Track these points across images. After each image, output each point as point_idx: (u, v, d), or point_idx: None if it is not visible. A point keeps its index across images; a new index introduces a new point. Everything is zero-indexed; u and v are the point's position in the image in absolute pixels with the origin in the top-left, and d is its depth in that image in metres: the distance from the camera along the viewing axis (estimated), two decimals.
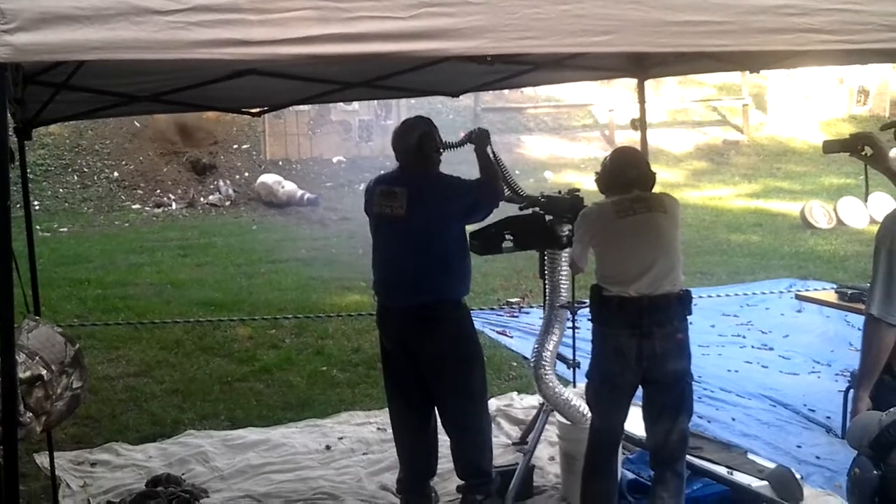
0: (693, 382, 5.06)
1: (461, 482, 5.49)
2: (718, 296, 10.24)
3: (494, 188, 5.36)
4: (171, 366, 8.41)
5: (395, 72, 5.76)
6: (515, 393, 7.56)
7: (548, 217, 5.77)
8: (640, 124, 6.62)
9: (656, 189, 4.99)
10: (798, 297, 8.09)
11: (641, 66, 6.32)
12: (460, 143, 5.61)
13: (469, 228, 5.66)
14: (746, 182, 18.09)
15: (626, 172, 4.90)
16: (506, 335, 9.10)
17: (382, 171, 5.81)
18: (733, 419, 6.85)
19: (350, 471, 6.22)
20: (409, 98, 16.60)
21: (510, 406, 7.25)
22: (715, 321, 9.35)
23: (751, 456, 5.94)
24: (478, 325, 9.28)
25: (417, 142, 5.40)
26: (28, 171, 17.13)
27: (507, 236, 5.81)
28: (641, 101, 6.56)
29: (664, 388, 4.79)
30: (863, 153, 4.30)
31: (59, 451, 6.62)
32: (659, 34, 2.91)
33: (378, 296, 5.64)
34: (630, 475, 5.64)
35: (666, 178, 18.40)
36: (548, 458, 6.24)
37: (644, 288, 4.70)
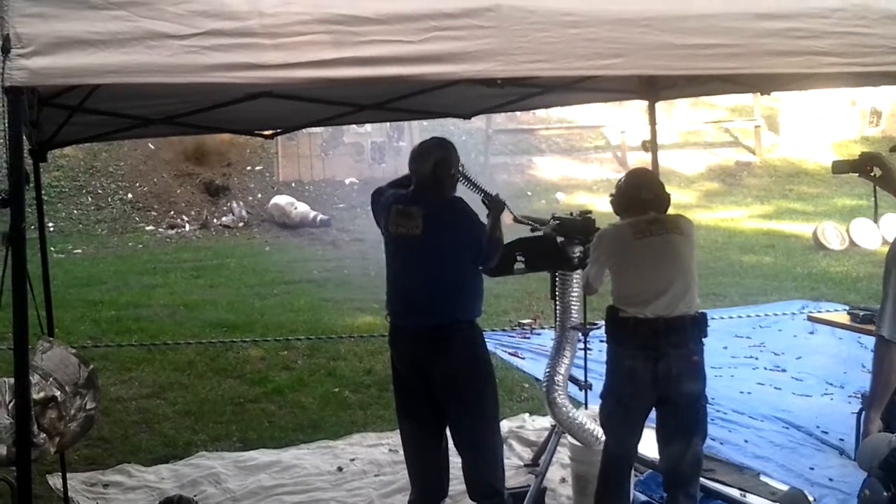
0: (707, 404, 5.07)
1: (473, 503, 5.49)
2: (731, 317, 10.22)
3: (492, 257, 5.32)
4: (183, 387, 8.43)
5: (407, 94, 5.79)
6: (527, 414, 7.55)
7: (559, 238, 5.79)
8: (651, 146, 6.62)
9: (670, 211, 5.01)
10: (810, 319, 8.07)
11: (652, 88, 6.34)
12: (474, 187, 5.67)
13: None
14: (759, 203, 18.08)
15: (642, 194, 4.91)
16: (517, 356, 9.10)
17: (397, 189, 5.79)
18: (746, 441, 6.83)
19: (362, 492, 6.22)
20: (422, 120, 16.72)
21: (522, 428, 7.24)
22: (727, 343, 9.33)
23: (763, 478, 5.92)
24: (490, 346, 9.37)
25: (433, 168, 5.41)
26: (42, 192, 17.23)
27: (519, 258, 5.82)
28: (652, 122, 6.59)
29: (678, 409, 4.79)
30: (871, 174, 4.30)
31: (72, 472, 6.64)
32: (668, 57, 2.94)
33: (391, 316, 5.65)
34: (642, 497, 5.63)
35: (678, 199, 18.39)
36: (559, 479, 6.22)
37: (660, 309, 4.71)
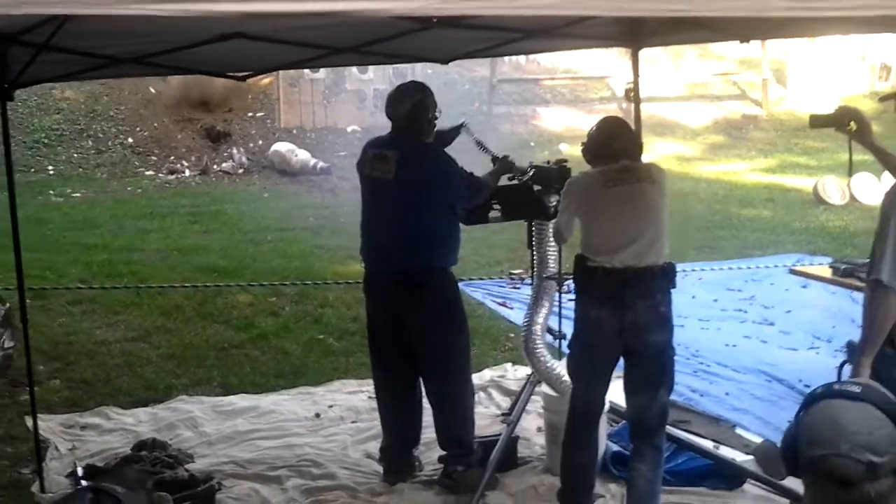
0: (677, 356, 5.02)
1: (443, 452, 5.48)
2: (723, 269, 10.15)
3: (475, 198, 5.40)
4: (168, 331, 8.42)
5: (382, 38, 5.69)
6: (510, 364, 7.51)
7: (536, 187, 5.71)
8: (633, 95, 6.52)
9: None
10: (792, 272, 7.97)
11: (635, 35, 6.23)
12: (481, 147, 5.64)
13: None
14: (763, 157, 17.87)
15: (613, 142, 4.83)
16: (506, 306, 9.05)
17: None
18: (727, 393, 6.79)
19: (337, 438, 6.21)
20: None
21: (503, 377, 7.22)
22: (718, 295, 9.27)
23: (739, 430, 5.91)
24: (479, 296, 9.40)
25: (409, 110, 5.37)
26: (43, 135, 17.14)
27: (495, 206, 5.76)
28: (635, 71, 6.49)
29: (645, 360, 4.74)
30: (848, 128, 4.22)
31: (51, 413, 6.67)
32: None
33: (365, 261, 5.63)
34: (615, 447, 5.59)
35: (682, 151, 18.26)
36: (536, 429, 6.19)
37: (629, 259, 4.63)
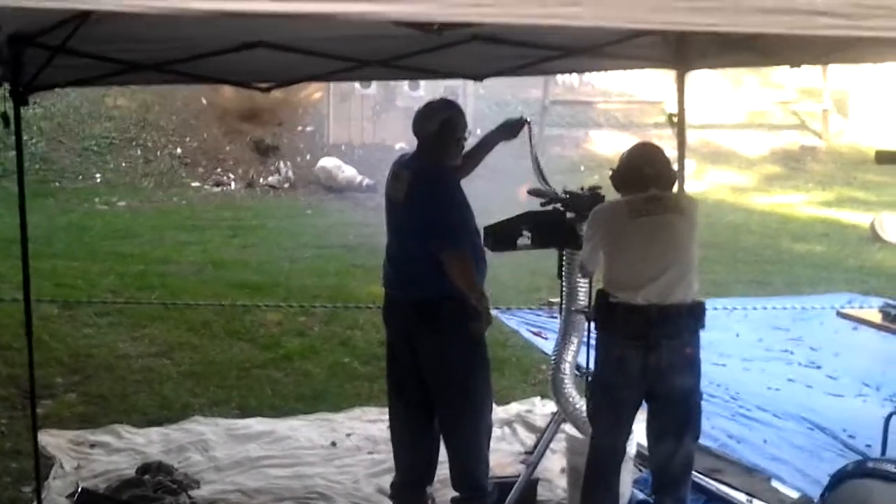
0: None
1: (455, 494, 5.17)
2: (770, 307, 9.72)
3: (449, 248, 4.85)
4: (192, 348, 8.21)
5: (412, 52, 5.44)
6: (539, 398, 7.18)
7: (569, 214, 5.41)
8: (678, 120, 6.21)
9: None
10: (840, 315, 7.54)
11: (682, 57, 5.92)
12: (532, 153, 5.42)
13: (484, 222, 5.35)
14: (820, 190, 17.41)
15: (643, 169, 4.52)
16: (541, 336, 8.72)
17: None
18: (765, 441, 6.39)
19: (351, 470, 5.94)
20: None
21: (530, 412, 6.88)
22: (763, 334, 8.86)
23: (775, 483, 5.53)
24: (513, 324, 9.08)
25: (438, 128, 5.10)
26: (93, 142, 17.18)
27: (525, 232, 5.46)
28: (681, 95, 6.17)
29: (669, 405, 4.41)
30: None
31: (63, 429, 6.48)
32: (634, 7, 2.54)
33: (384, 286, 5.36)
34: (640, 495, 5.26)
35: (736, 181, 17.84)
36: (560, 470, 5.86)
37: (653, 296, 4.32)
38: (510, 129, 5.51)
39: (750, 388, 7.32)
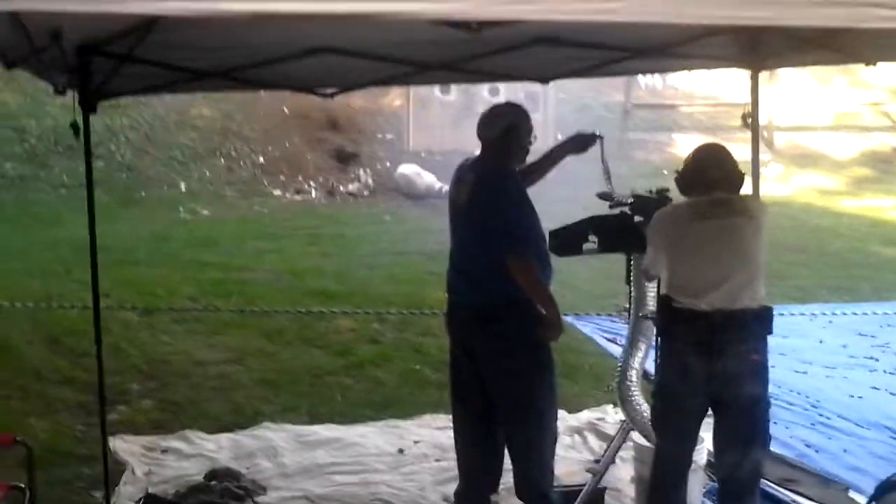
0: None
1: (520, 502, 5.08)
2: (856, 314, 9.43)
3: (517, 250, 4.76)
4: (266, 355, 8.26)
5: (476, 54, 5.40)
6: (611, 406, 7.05)
7: (637, 218, 5.29)
8: (752, 121, 6.03)
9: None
10: None
11: (754, 56, 5.76)
12: (604, 167, 5.32)
13: (550, 226, 5.27)
14: None
15: (709, 172, 4.40)
16: (616, 343, 8.56)
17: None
18: (845, 450, 6.18)
19: (416, 477, 5.90)
20: (536, 88, 16.11)
21: (602, 420, 6.77)
22: (848, 341, 8.59)
23: (852, 494, 5.32)
24: (588, 330, 8.94)
25: (502, 133, 5.02)
26: (178, 151, 17.41)
27: (591, 237, 5.35)
28: (754, 94, 6.02)
29: (735, 414, 4.27)
30: None
31: (136, 435, 6.56)
32: (678, 3, 2.45)
33: (447, 291, 5.29)
34: None
35: (824, 184, 17.40)
36: (629, 479, 5.73)
37: (718, 301, 4.18)
38: (581, 142, 5.40)
39: (831, 396, 7.09)
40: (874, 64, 5.21)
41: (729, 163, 4.45)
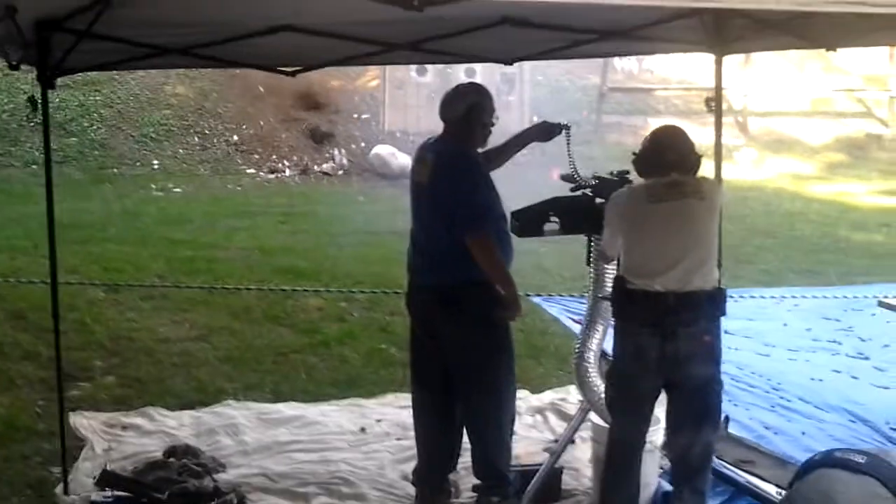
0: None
1: (477, 481, 5.11)
2: (822, 297, 9.48)
3: (474, 228, 4.81)
4: (232, 333, 8.24)
5: (440, 35, 5.39)
6: (574, 386, 7.07)
7: (598, 200, 5.30)
8: (715, 105, 6.06)
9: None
10: (881, 305, 7.30)
11: (718, 41, 5.78)
12: (569, 157, 5.29)
13: (511, 207, 5.27)
14: (883, 179, 16.96)
15: (666, 154, 4.42)
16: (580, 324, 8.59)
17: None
18: (803, 433, 6.22)
19: (377, 456, 5.92)
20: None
21: (564, 401, 6.79)
22: (812, 324, 8.64)
23: None
24: (555, 311, 8.96)
25: (465, 112, 5.04)
26: (151, 129, 17.36)
27: (552, 218, 5.36)
28: (718, 78, 6.03)
29: (687, 394, 4.32)
30: None
31: (97, 411, 6.55)
32: None
33: (408, 272, 5.32)
34: (667, 486, 5.14)
35: (798, 169, 17.48)
36: (588, 459, 5.76)
37: (671, 283, 4.21)
38: (546, 131, 5.42)
39: (792, 379, 7.14)
40: (834, 49, 5.25)
41: (685, 145, 4.48)
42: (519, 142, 5.48)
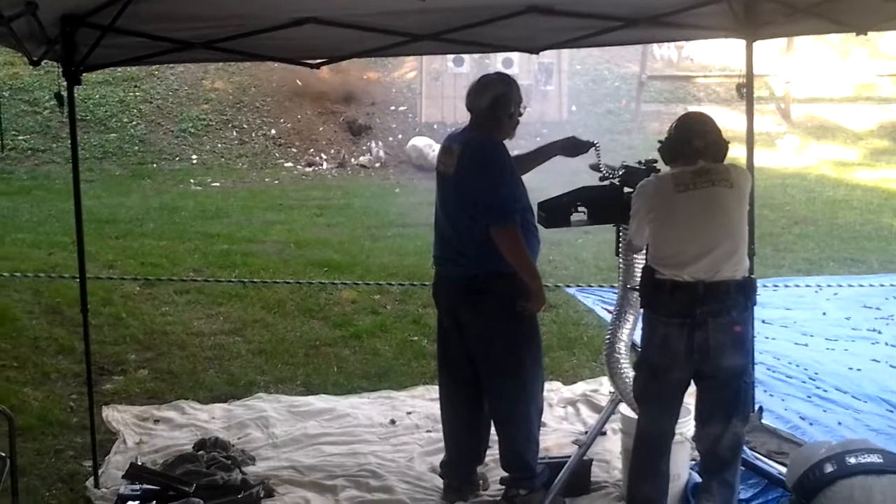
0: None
1: (505, 474, 5.07)
2: (862, 285, 9.30)
3: (501, 220, 4.76)
4: (265, 326, 8.26)
5: (466, 25, 5.35)
6: (606, 378, 7.00)
7: (626, 189, 5.23)
8: (747, 91, 5.95)
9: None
10: None
11: (749, 25, 5.68)
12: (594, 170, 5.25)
13: (537, 197, 5.22)
14: None
15: (693, 141, 4.34)
16: None
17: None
18: (839, 423, 6.09)
19: (406, 448, 5.88)
20: (549, 60, 16.04)
21: (596, 392, 6.72)
22: (852, 313, 8.47)
23: None
24: (590, 302, 8.89)
25: (490, 103, 4.99)
26: (190, 125, 17.47)
27: (580, 208, 5.30)
28: (749, 64, 5.92)
29: (717, 385, 4.24)
30: None
31: (129, 405, 6.58)
32: None
33: (434, 263, 5.28)
34: (697, 478, 5.06)
35: (841, 156, 17.21)
36: (619, 451, 5.70)
37: (701, 273, 4.14)
38: (575, 147, 5.37)
39: (830, 369, 7.00)
40: (865, 33, 5.15)
41: (713, 132, 4.40)
42: (544, 155, 5.44)
